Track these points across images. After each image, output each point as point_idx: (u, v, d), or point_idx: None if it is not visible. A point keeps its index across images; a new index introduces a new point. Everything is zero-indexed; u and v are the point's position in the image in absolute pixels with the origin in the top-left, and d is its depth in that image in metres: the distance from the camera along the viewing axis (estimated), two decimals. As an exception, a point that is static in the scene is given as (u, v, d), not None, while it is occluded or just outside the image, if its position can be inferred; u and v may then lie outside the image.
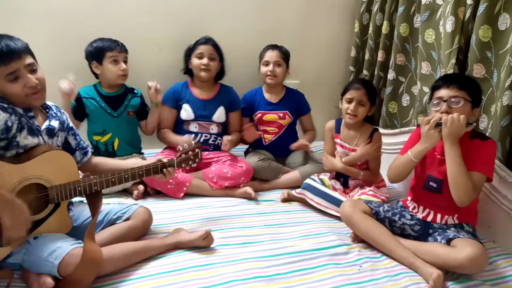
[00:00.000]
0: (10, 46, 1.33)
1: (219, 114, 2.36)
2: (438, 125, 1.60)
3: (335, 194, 2.04)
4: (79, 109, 2.19)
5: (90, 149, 1.70)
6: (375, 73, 2.65)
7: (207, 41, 2.31)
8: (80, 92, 2.21)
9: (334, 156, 2.19)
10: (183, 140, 2.12)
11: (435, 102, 1.65)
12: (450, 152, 1.57)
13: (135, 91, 2.30)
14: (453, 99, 1.59)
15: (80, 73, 2.30)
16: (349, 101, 2.09)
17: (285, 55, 2.44)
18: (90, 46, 2.18)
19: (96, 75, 2.22)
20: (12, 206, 1.22)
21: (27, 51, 1.39)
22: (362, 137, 2.14)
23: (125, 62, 2.21)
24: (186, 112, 2.32)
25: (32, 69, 1.39)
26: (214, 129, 2.36)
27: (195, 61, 2.30)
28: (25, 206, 1.25)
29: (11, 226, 1.21)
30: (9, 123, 1.32)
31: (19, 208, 1.23)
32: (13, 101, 1.38)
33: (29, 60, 1.38)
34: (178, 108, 2.35)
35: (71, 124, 1.64)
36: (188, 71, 2.41)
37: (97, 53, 2.15)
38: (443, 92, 1.63)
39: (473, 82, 1.67)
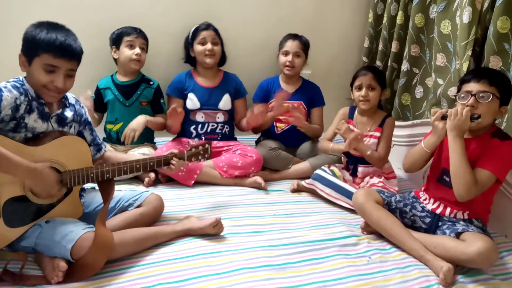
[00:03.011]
0: (72, 47, 1.40)
1: (225, 102, 2.35)
2: (445, 117, 1.60)
3: (346, 186, 2.04)
4: (98, 101, 2.23)
5: (104, 146, 1.72)
6: (389, 64, 2.62)
7: (208, 26, 2.29)
8: (98, 84, 2.26)
9: (330, 140, 2.26)
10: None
11: (462, 95, 1.62)
12: (453, 145, 1.57)
13: (151, 82, 2.30)
14: (481, 94, 1.56)
15: (94, 62, 2.33)
16: (359, 88, 2.12)
17: (305, 46, 2.43)
18: (113, 33, 2.23)
19: (116, 62, 2.27)
20: (35, 174, 1.31)
21: (79, 57, 1.45)
22: (374, 124, 2.15)
23: (143, 48, 2.22)
24: (192, 101, 2.31)
25: (69, 75, 1.43)
26: (220, 117, 2.35)
27: (198, 47, 2.28)
28: (47, 169, 1.34)
29: (42, 190, 1.37)
30: (18, 102, 1.34)
31: (42, 173, 1.33)
32: (32, 84, 1.40)
33: (73, 66, 1.43)
34: (184, 98, 2.33)
35: (89, 119, 1.65)
36: (189, 60, 2.39)
37: (116, 38, 2.21)
38: (472, 86, 1.59)
39: (505, 79, 1.61)
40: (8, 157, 1.24)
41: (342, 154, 2.29)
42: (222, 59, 2.40)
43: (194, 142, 1.77)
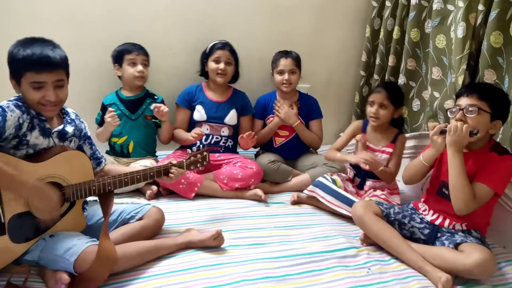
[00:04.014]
0: (50, 58, 1.37)
1: (231, 117, 2.39)
2: (444, 132, 1.62)
3: (347, 194, 2.06)
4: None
5: (103, 160, 1.75)
6: (386, 78, 2.66)
7: (225, 46, 2.34)
8: (104, 101, 2.30)
9: (339, 150, 2.27)
10: (192, 133, 2.18)
11: (453, 109, 1.65)
12: (452, 159, 1.58)
13: (156, 97, 2.35)
14: (470, 108, 1.58)
15: (98, 77, 2.40)
16: (372, 104, 2.13)
17: (297, 61, 2.46)
18: (114, 51, 2.27)
19: (120, 78, 2.31)
20: (39, 192, 1.31)
21: (63, 65, 1.42)
22: (386, 140, 2.17)
23: (145, 65, 2.27)
24: (199, 113, 2.36)
25: (59, 85, 1.42)
26: (225, 131, 2.39)
27: (212, 65, 2.33)
28: (52, 190, 1.34)
29: (43, 210, 1.35)
30: (21, 121, 1.36)
31: (47, 193, 1.32)
32: (28, 103, 1.42)
33: (60, 76, 1.41)
34: (192, 109, 2.38)
35: (88, 134, 1.68)
36: (203, 73, 2.44)
37: (118, 56, 2.25)
38: (463, 100, 1.62)
39: (499, 94, 1.63)
40: (13, 176, 1.26)
41: (349, 167, 2.31)
42: (235, 77, 2.44)
43: (192, 151, 1.79)
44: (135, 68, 2.23)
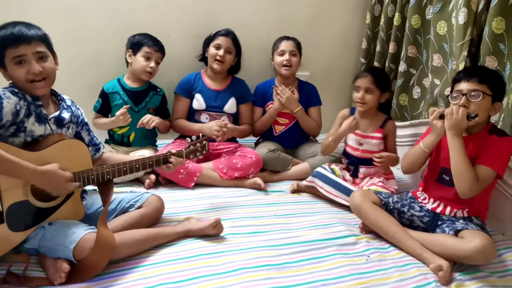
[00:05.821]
0: (22, 31, 1.37)
1: (230, 105, 2.38)
2: (444, 116, 1.62)
3: (345, 184, 2.06)
4: (105, 105, 2.24)
5: (102, 146, 1.74)
6: (386, 65, 2.64)
7: (228, 33, 2.33)
8: (105, 88, 2.26)
9: None
10: (210, 126, 2.18)
11: (454, 95, 1.64)
12: (452, 143, 1.59)
13: (158, 89, 2.34)
14: (472, 93, 1.58)
15: (95, 66, 2.38)
16: (357, 90, 2.12)
17: (299, 46, 2.45)
18: (133, 37, 2.25)
19: (127, 64, 2.29)
20: (44, 176, 1.33)
21: (40, 39, 1.41)
22: (374, 125, 2.16)
23: (158, 63, 2.25)
24: (198, 101, 2.34)
25: (40, 57, 1.41)
26: (225, 120, 2.37)
27: (211, 50, 2.32)
28: (56, 167, 1.36)
29: (54, 189, 1.39)
30: (18, 107, 1.35)
31: (52, 173, 1.35)
32: (19, 87, 1.40)
33: (39, 48, 1.40)
34: (191, 98, 2.36)
35: (86, 120, 1.67)
36: (203, 58, 2.43)
37: (136, 44, 2.22)
38: (463, 85, 1.62)
39: (496, 76, 1.64)
40: (17, 163, 1.27)
41: (342, 156, 2.31)
42: (235, 68, 2.43)
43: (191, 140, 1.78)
44: (148, 62, 2.20)
